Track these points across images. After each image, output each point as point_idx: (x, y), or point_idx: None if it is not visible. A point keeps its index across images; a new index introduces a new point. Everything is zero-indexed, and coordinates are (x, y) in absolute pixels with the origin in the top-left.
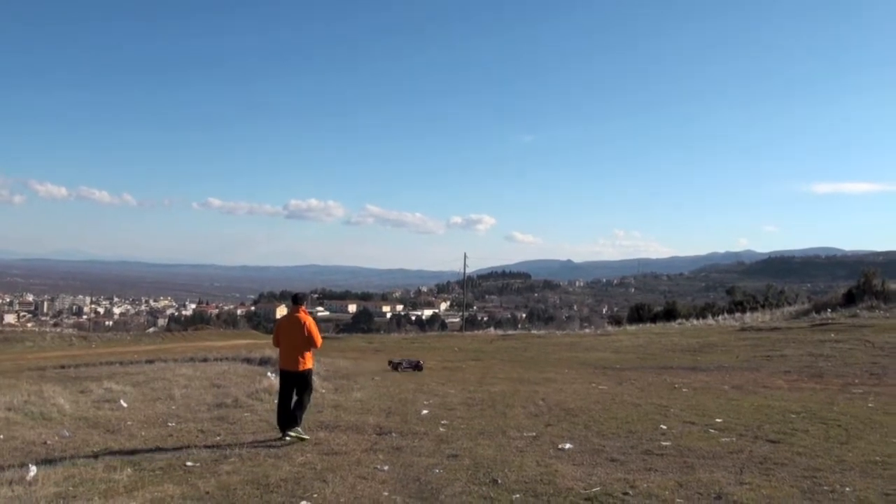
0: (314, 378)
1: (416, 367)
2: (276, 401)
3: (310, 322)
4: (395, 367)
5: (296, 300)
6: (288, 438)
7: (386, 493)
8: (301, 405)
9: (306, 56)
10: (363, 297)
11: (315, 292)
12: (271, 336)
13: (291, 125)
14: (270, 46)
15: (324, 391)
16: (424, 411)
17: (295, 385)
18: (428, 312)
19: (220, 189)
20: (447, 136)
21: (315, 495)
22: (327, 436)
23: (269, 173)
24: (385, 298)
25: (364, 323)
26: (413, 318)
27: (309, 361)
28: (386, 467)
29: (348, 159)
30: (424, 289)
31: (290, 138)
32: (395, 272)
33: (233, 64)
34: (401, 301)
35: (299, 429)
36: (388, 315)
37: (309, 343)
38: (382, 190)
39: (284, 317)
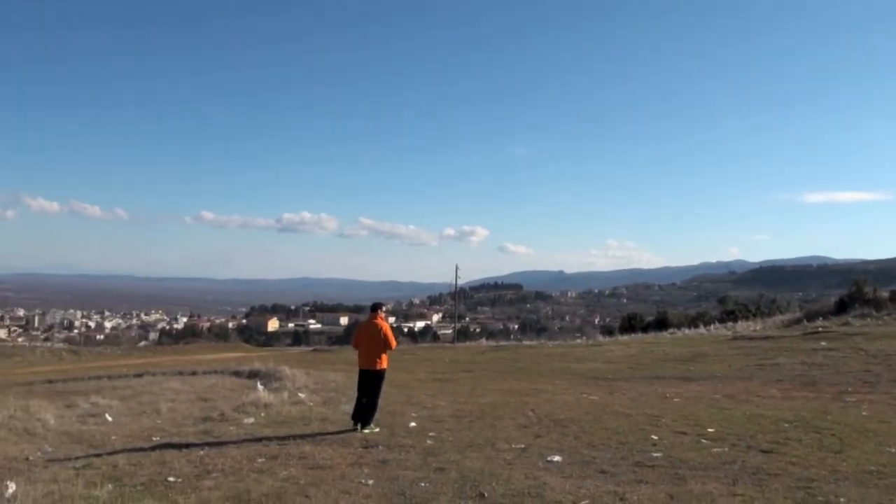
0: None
1: None
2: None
3: (386, 327)
4: None
5: (374, 308)
6: (365, 431)
7: None
8: (373, 404)
9: (301, 71)
10: (355, 310)
11: (307, 305)
12: (264, 349)
13: (286, 138)
14: (264, 61)
15: (311, 404)
16: (412, 423)
17: (370, 382)
18: (420, 324)
19: (213, 202)
20: (441, 149)
21: None
22: (313, 449)
23: (263, 186)
24: None
25: None
26: (405, 329)
27: (384, 362)
28: (371, 481)
29: (341, 172)
30: (416, 301)
31: (284, 151)
32: (387, 284)
33: (223, 77)
34: (393, 313)
35: (371, 425)
36: None
37: (386, 345)
38: (376, 202)
39: (364, 322)
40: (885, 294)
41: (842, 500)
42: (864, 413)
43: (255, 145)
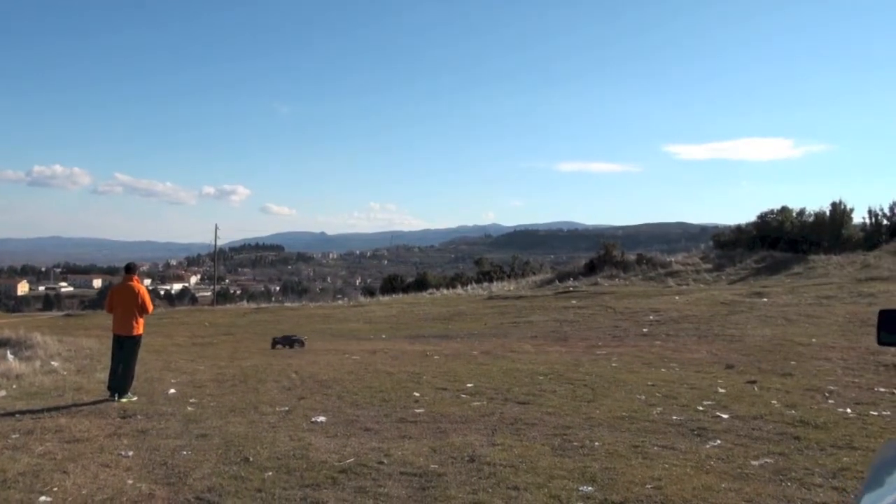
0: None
1: (293, 343)
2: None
3: (143, 290)
4: (275, 344)
5: (129, 269)
6: (122, 401)
7: (130, 481)
8: (130, 372)
9: (56, 17)
10: (109, 272)
11: (58, 267)
12: (13, 315)
13: (37, 80)
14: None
15: (65, 373)
16: (172, 390)
17: (125, 349)
18: (178, 286)
19: None
20: (202, 103)
21: (55, 489)
22: (69, 422)
23: (11, 134)
24: None
25: None
26: (161, 292)
27: (140, 327)
28: (130, 452)
29: (95, 120)
30: (174, 262)
31: (34, 95)
32: (143, 244)
33: None
34: (149, 275)
35: (129, 394)
36: None
37: (142, 310)
38: (132, 156)
39: (118, 285)
40: (632, 257)
41: (596, 444)
42: (613, 364)
43: (2, 87)
